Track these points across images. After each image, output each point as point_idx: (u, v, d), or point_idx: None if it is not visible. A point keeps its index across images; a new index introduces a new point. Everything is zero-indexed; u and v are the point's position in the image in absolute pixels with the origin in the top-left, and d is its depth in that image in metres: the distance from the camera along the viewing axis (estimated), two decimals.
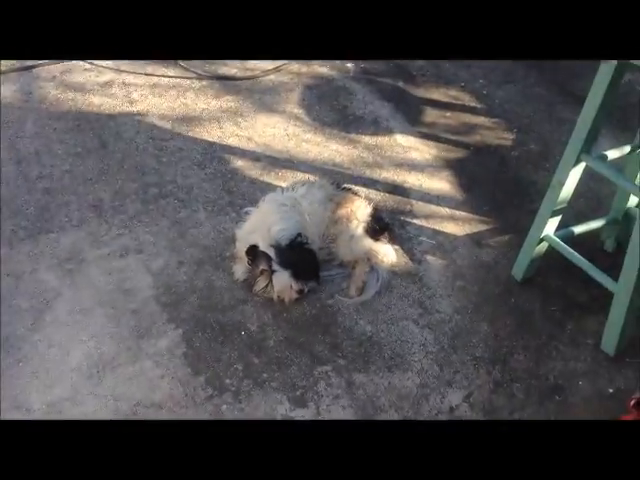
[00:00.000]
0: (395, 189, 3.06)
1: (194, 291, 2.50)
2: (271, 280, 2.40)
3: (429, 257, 2.70)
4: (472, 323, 2.44)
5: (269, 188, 2.96)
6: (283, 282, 2.39)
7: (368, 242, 2.60)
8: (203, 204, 2.90)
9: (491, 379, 2.26)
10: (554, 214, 2.38)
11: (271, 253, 2.40)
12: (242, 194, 2.96)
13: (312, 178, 3.01)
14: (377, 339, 2.36)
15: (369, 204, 2.69)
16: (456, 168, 3.21)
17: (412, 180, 3.11)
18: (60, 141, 3.15)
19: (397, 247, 2.72)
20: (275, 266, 2.39)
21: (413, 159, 3.26)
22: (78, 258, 2.60)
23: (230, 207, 2.89)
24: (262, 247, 2.42)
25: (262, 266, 2.41)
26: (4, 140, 3.10)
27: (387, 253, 2.62)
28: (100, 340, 2.30)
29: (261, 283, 2.45)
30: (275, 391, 2.17)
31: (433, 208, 2.96)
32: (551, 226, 2.42)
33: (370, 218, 2.64)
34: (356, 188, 2.95)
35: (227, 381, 2.19)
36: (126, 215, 2.82)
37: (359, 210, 2.64)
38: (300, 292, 2.44)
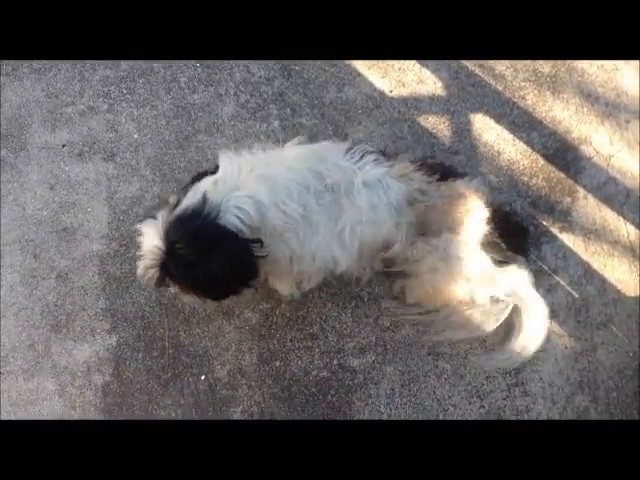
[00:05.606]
0: (560, 153, 1.73)
1: None
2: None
3: (554, 327, 1.56)
4: None
5: (352, 83, 1.74)
6: (144, 247, 1.18)
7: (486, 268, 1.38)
8: (237, 85, 1.75)
9: None
10: None
11: (187, 202, 1.17)
12: (304, 82, 1.76)
13: (430, 80, 1.74)
14: None
15: (487, 209, 1.39)
16: None
17: (598, 139, 1.74)
18: None
19: None
20: (157, 221, 1.17)
21: (621, 89, 1.80)
22: (19, 139, 1.67)
23: (276, 105, 1.73)
24: (202, 186, 1.21)
25: (169, 197, 1.23)
26: None
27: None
28: (1, 314, 1.53)
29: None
30: None
31: (608, 218, 1.67)
32: None
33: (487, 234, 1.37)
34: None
35: None
36: (114, 70, 1.75)
37: (473, 212, 1.37)
38: (157, 284, 1.21)
